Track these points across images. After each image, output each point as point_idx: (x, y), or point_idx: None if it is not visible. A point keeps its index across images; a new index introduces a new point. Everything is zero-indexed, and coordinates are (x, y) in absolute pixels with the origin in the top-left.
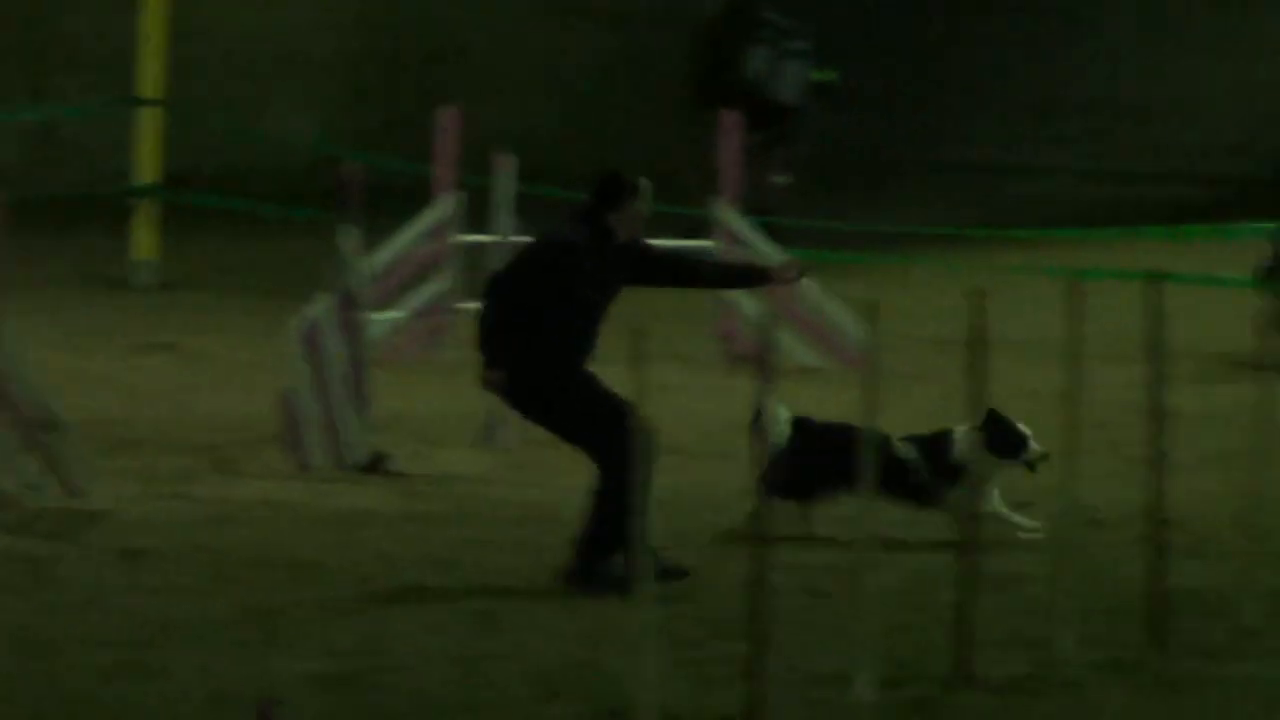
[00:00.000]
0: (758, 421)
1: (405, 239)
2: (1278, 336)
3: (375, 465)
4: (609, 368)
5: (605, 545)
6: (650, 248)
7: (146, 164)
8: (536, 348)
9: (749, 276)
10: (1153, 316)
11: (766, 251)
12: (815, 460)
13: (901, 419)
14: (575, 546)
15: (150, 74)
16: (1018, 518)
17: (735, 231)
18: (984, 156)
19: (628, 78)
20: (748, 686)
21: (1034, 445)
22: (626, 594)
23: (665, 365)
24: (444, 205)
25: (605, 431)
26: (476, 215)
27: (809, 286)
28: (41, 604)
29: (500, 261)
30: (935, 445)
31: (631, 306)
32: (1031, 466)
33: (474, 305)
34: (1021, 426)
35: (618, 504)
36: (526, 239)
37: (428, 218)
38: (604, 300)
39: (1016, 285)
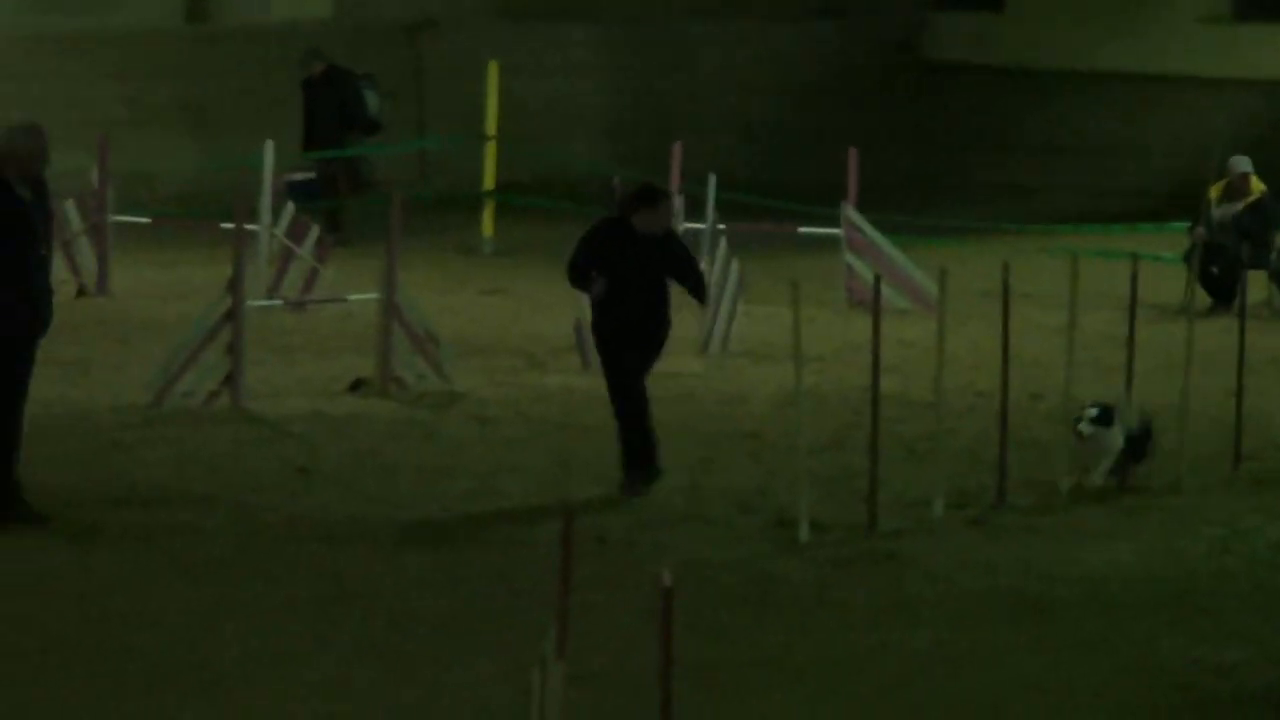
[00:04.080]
0: None
1: None
2: (1194, 294)
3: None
4: (777, 308)
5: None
6: (671, 245)
7: (489, 176)
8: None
9: (699, 294)
10: (1132, 280)
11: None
12: None
13: (961, 341)
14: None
15: (491, 119)
16: None
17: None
18: (1010, 179)
19: None
20: (869, 505)
21: None
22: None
23: (810, 307)
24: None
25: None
26: (693, 210)
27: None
28: (420, 450)
29: (708, 242)
30: None
31: (788, 268)
32: None
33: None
34: None
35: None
36: (722, 227)
37: None
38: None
39: (1034, 261)
